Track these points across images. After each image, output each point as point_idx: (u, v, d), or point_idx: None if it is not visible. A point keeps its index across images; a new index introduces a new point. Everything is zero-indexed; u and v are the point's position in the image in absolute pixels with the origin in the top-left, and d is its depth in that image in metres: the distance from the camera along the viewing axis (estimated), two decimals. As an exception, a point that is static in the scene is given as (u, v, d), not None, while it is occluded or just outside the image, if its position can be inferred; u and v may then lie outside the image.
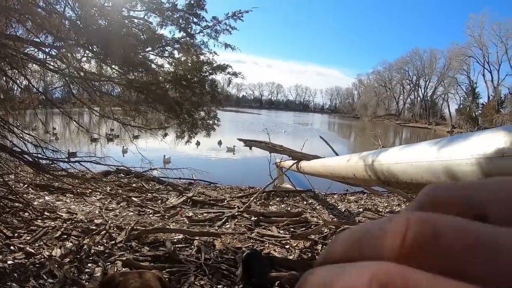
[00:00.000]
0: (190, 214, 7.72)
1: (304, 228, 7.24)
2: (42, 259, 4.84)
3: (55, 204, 7.57)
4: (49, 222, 6.35)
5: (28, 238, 5.49)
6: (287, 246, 6.25)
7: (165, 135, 8.59)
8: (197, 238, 6.10)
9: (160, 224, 6.89)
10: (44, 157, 6.24)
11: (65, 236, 5.79)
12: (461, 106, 77.46)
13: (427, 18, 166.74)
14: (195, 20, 6.76)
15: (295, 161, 9.91)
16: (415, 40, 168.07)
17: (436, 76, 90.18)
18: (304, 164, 8.93)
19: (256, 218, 7.62)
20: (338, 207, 9.71)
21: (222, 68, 7.27)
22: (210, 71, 7.33)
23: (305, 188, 10.65)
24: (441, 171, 2.32)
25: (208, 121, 8.11)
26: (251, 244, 6.26)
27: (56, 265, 4.64)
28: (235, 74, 7.43)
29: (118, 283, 2.54)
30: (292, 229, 7.18)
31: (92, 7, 6.11)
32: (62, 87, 8.33)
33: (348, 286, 0.21)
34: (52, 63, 6.90)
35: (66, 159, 6.86)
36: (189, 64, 7.09)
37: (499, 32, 67.39)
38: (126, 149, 13.87)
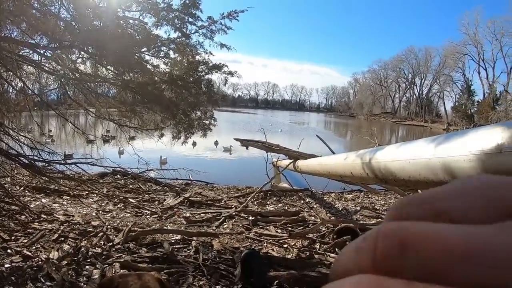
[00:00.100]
0: (188, 214, 7.71)
1: (301, 227, 7.24)
2: (40, 262, 4.81)
3: (52, 207, 7.54)
4: (46, 225, 6.32)
5: (25, 241, 5.47)
6: (285, 245, 6.24)
7: (162, 135, 8.58)
8: (195, 238, 6.08)
9: (158, 225, 6.88)
10: (40, 159, 6.22)
11: (62, 239, 5.76)
12: (457, 104, 77.68)
13: (422, 17, 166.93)
14: (190, 20, 6.75)
15: (292, 160, 9.89)
16: (410, 38, 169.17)
17: (432, 74, 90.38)
18: (301, 163, 8.91)
19: (253, 218, 7.62)
20: (336, 206, 9.72)
21: (218, 67, 7.26)
22: (206, 71, 7.31)
23: (302, 187, 10.66)
24: (439, 168, 2.31)
25: (204, 121, 8.08)
26: (249, 244, 6.25)
27: (54, 268, 4.61)
28: (231, 74, 7.41)
29: (117, 285, 2.54)
30: (289, 228, 7.18)
31: (86, 8, 6.09)
32: (57, 89, 8.31)
33: None
34: (47, 65, 6.87)
35: (62, 161, 6.84)
36: (185, 64, 7.07)
37: (493, 30, 67.57)
38: (122, 150, 13.83)
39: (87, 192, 8.29)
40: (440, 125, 74.04)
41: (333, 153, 9.05)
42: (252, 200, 9.14)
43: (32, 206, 7.31)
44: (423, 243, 0.21)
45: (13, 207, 6.67)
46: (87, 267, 4.81)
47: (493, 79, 69.20)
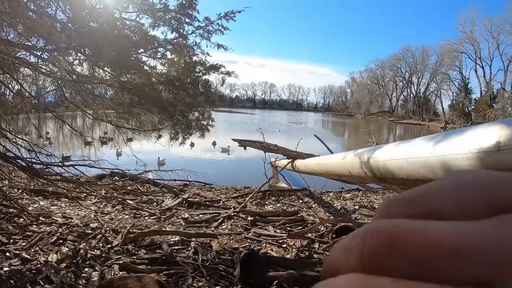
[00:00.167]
0: (186, 215, 7.69)
1: (300, 227, 7.23)
2: (38, 265, 4.79)
3: (50, 209, 7.54)
4: (44, 227, 6.31)
5: (24, 244, 5.45)
6: (284, 245, 6.24)
7: (159, 137, 8.57)
8: (193, 239, 6.07)
9: (156, 226, 6.86)
10: (38, 161, 6.20)
11: (61, 241, 5.74)
12: (454, 102, 77.97)
13: (419, 16, 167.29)
14: (187, 20, 6.73)
15: (290, 160, 9.88)
16: (407, 37, 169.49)
17: (429, 73, 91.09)
18: (299, 163, 8.91)
19: (252, 218, 7.60)
20: (334, 205, 9.72)
21: (215, 68, 7.25)
22: (203, 71, 7.30)
23: (300, 187, 10.65)
24: (438, 166, 2.31)
25: (202, 122, 8.07)
26: (248, 244, 6.25)
27: (53, 271, 4.59)
28: (228, 74, 7.40)
29: (117, 288, 2.53)
30: (288, 228, 7.18)
31: (83, 9, 6.07)
32: (54, 91, 8.29)
33: None
34: (44, 67, 6.86)
35: (60, 163, 6.83)
36: (182, 65, 7.06)
37: (490, 28, 67.94)
38: (120, 152, 13.80)
39: (85, 194, 8.27)
40: (438, 123, 74.25)
41: (331, 152, 9.07)
42: (250, 200, 9.13)
43: (30, 208, 7.29)
44: (411, 240, 0.21)
45: (11, 210, 6.67)
46: (86, 269, 4.79)
47: (490, 77, 69.63)
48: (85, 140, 10.63)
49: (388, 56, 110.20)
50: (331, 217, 8.16)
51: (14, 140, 6.30)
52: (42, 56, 6.57)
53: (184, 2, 6.57)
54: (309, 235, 6.60)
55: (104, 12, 6.28)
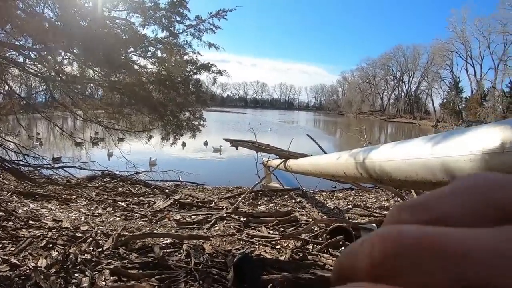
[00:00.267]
0: (178, 217, 7.61)
1: (294, 228, 7.19)
2: (28, 271, 4.68)
3: (40, 212, 7.41)
4: (34, 231, 6.19)
5: (13, 248, 5.34)
6: (277, 247, 6.17)
7: (150, 137, 8.47)
8: (186, 242, 5.98)
9: (148, 228, 6.76)
10: (25, 164, 6.08)
11: (51, 245, 5.64)
12: (445, 101, 78.52)
13: (410, 15, 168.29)
14: (178, 19, 6.65)
15: (282, 160, 9.83)
16: (398, 36, 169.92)
17: (420, 72, 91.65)
18: (292, 163, 8.85)
19: (245, 219, 7.54)
20: (327, 205, 9.70)
21: (207, 67, 7.16)
22: (194, 71, 7.22)
23: (293, 187, 10.61)
24: (438, 168, 2.24)
25: (193, 122, 7.98)
26: (241, 246, 6.17)
27: (42, 277, 4.48)
28: (219, 73, 7.32)
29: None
30: (282, 229, 7.13)
31: (72, 7, 5.96)
32: (43, 91, 8.16)
33: None
34: (32, 67, 6.73)
35: (48, 165, 6.71)
36: (173, 63, 6.96)
37: (481, 27, 68.46)
38: (111, 153, 13.75)
39: (75, 197, 8.16)
40: (429, 122, 74.86)
41: (324, 152, 9.02)
42: (243, 200, 9.08)
43: (20, 212, 7.20)
44: (419, 246, 0.21)
45: (0, 213, 6.54)
46: (76, 274, 4.68)
47: (480, 76, 70.21)
48: (76, 141, 10.52)
49: (380, 55, 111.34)
50: (325, 217, 8.12)
51: (1, 142, 6.18)
52: (30, 55, 6.44)
53: (174, 0, 6.48)
54: (303, 236, 6.54)
55: (93, 10, 6.18)
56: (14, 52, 6.57)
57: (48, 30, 5.77)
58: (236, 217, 7.75)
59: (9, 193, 8.26)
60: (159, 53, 7.01)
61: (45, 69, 6.68)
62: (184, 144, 19.02)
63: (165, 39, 6.85)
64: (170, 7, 6.49)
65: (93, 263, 4.96)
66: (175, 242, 5.99)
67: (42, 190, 8.05)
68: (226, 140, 14.53)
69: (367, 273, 0.22)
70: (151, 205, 8.64)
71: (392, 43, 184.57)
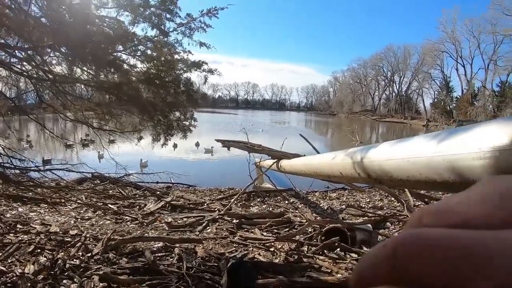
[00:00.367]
0: (170, 219, 7.49)
1: (287, 229, 7.14)
2: (14, 278, 4.50)
3: (29, 216, 7.25)
4: (22, 236, 6.01)
5: (-1, 254, 5.16)
6: (272, 249, 6.04)
7: (140, 138, 8.34)
8: (177, 245, 5.83)
9: (139, 232, 6.63)
10: (12, 166, 5.91)
11: (39, 250, 5.45)
12: (436, 100, 79.22)
13: (400, 15, 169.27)
14: (168, 16, 6.55)
15: (275, 161, 9.74)
16: (388, 37, 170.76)
17: (411, 72, 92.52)
18: (285, 163, 8.74)
19: (237, 221, 7.43)
20: (321, 205, 9.63)
21: (198, 65, 7.03)
22: (185, 69, 7.08)
23: (286, 187, 10.56)
24: (444, 167, 2.12)
25: (184, 122, 7.86)
26: (234, 248, 6.05)
27: (29, 284, 4.32)
28: (211, 72, 7.19)
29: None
30: (275, 230, 7.05)
31: (60, 5, 5.81)
32: (31, 91, 7.99)
33: None
34: (19, 66, 6.57)
35: (36, 168, 6.54)
36: (162, 61, 6.82)
37: (471, 28, 68.92)
38: (102, 155, 13.60)
39: (64, 200, 8.00)
40: (420, 121, 75.44)
41: (318, 152, 8.92)
42: (235, 202, 8.99)
43: (8, 215, 7.03)
44: (443, 249, 0.21)
45: (-14, 218, 6.37)
46: (64, 281, 4.50)
47: (471, 76, 70.79)
48: (66, 143, 10.35)
49: (371, 55, 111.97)
50: (319, 217, 8.05)
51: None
52: (15, 53, 6.26)
53: (165, -3, 6.35)
54: (298, 237, 6.43)
55: (82, 7, 6.03)
56: (1, 52, 6.40)
57: (35, 27, 5.62)
58: (229, 219, 7.65)
59: (-3, 197, 8.08)
60: (149, 52, 6.89)
61: (33, 68, 6.51)
62: (175, 145, 18.93)
63: (155, 38, 6.73)
64: (160, 4, 6.37)
65: (82, 269, 4.79)
66: (167, 246, 5.83)
67: (30, 193, 7.88)
68: (217, 140, 14.48)
69: (389, 277, 0.21)
70: (142, 207, 8.51)
71: (383, 43, 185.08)
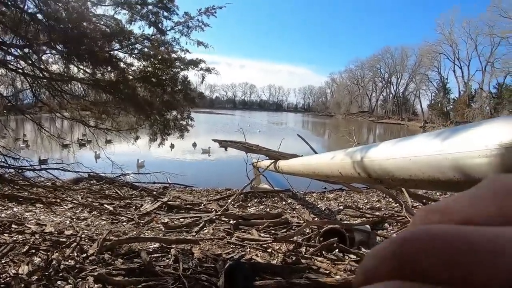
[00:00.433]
0: (166, 220, 7.42)
1: (285, 230, 7.10)
2: (8, 279, 4.44)
3: (24, 216, 7.19)
4: (16, 236, 5.94)
5: (-7, 255, 5.09)
6: (269, 250, 5.99)
7: (136, 138, 8.27)
8: (174, 246, 5.77)
9: (135, 232, 6.56)
10: (6, 165, 5.83)
11: (33, 251, 5.38)
12: (433, 102, 79.51)
13: (398, 17, 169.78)
14: (165, 14, 6.49)
15: (272, 161, 9.69)
16: (386, 38, 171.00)
17: (408, 73, 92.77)
18: (283, 164, 8.70)
19: (235, 221, 7.39)
20: (318, 206, 9.59)
21: (195, 63, 6.96)
22: (182, 67, 7.01)
23: (283, 188, 10.53)
24: (448, 165, 2.06)
25: (181, 122, 7.80)
26: (231, 249, 5.99)
27: (23, 285, 4.26)
28: (208, 70, 7.12)
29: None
30: (273, 231, 7.00)
31: (56, 1, 5.75)
32: (27, 90, 7.91)
33: None
34: (14, 64, 6.49)
35: (31, 167, 6.46)
36: (159, 59, 6.76)
37: (468, 30, 69.12)
38: (98, 155, 13.59)
39: (60, 200, 7.93)
40: (417, 123, 75.53)
41: (315, 152, 8.87)
42: (232, 202, 8.93)
43: (3, 215, 6.99)
44: (450, 244, 0.21)
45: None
46: (58, 282, 4.43)
47: (468, 77, 70.93)
48: (62, 143, 10.29)
49: (368, 56, 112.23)
50: (316, 218, 8.00)
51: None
52: (10, 51, 6.19)
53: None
54: (295, 238, 6.37)
55: (78, 4, 5.97)
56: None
57: (31, 24, 5.56)
58: (226, 219, 7.60)
59: (-8, 196, 8.01)
60: (146, 50, 6.83)
61: (29, 66, 6.45)
62: (172, 146, 19.00)
63: (153, 36, 6.68)
64: (158, 2, 6.31)
65: (76, 270, 4.72)
66: (163, 247, 5.78)
67: (26, 193, 7.81)
68: (215, 140, 14.46)
69: (395, 273, 0.21)
70: (138, 208, 8.46)
71: (381, 45, 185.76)
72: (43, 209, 7.70)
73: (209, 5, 6.72)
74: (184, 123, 7.90)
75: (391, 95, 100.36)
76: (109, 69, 6.57)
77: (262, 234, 6.82)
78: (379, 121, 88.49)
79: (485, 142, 1.82)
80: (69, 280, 4.44)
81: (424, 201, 8.86)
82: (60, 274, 4.59)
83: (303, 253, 5.87)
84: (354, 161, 3.46)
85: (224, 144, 13.96)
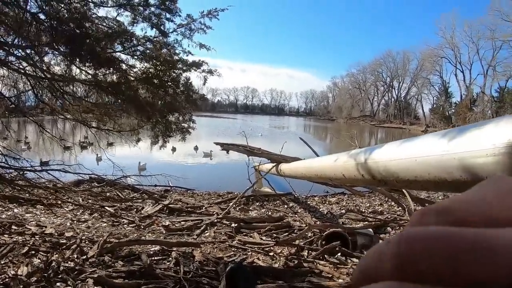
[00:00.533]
0: (167, 223, 7.40)
1: (287, 233, 7.06)
2: (7, 279, 4.40)
3: (24, 217, 7.17)
4: (16, 237, 5.91)
5: (-7, 255, 5.06)
6: (271, 254, 5.94)
7: (138, 140, 8.23)
8: (175, 249, 5.73)
9: (135, 235, 6.52)
10: (6, 165, 5.80)
11: (33, 252, 5.35)
12: (435, 106, 79.59)
13: (400, 21, 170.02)
14: (168, 16, 6.48)
15: (274, 164, 9.67)
16: (388, 42, 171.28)
17: (409, 77, 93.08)
18: (285, 167, 8.66)
19: (236, 225, 7.35)
20: (320, 210, 9.53)
21: (197, 64, 6.94)
22: (184, 68, 6.99)
23: (285, 191, 10.47)
24: (455, 165, 2.02)
25: (183, 124, 7.77)
26: (232, 253, 5.95)
27: (22, 286, 4.22)
28: (210, 72, 7.10)
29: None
30: (275, 235, 6.97)
31: (58, 2, 5.74)
32: (29, 91, 7.90)
33: None
34: (17, 65, 6.48)
35: (32, 168, 6.44)
36: (161, 61, 6.74)
37: (470, 33, 69.22)
38: (100, 157, 13.59)
39: (61, 201, 7.91)
40: (419, 127, 75.52)
41: (317, 155, 8.84)
42: (234, 206, 8.88)
43: (3, 216, 6.96)
44: (448, 244, 0.21)
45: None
46: (58, 284, 4.40)
47: (470, 81, 70.94)
48: (64, 145, 10.28)
49: (370, 61, 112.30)
50: (318, 222, 7.93)
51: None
52: (13, 51, 6.17)
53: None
54: (297, 242, 6.32)
55: (81, 5, 5.96)
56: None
57: (33, 24, 5.55)
58: (227, 222, 7.57)
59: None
60: (148, 52, 6.82)
61: (31, 67, 6.43)
62: (174, 149, 18.98)
63: (155, 38, 6.66)
64: (160, 4, 6.30)
65: (76, 272, 4.69)
66: (164, 249, 5.73)
67: (27, 194, 7.78)
68: (217, 143, 14.46)
69: (393, 273, 0.21)
70: (139, 210, 8.42)
71: (382, 49, 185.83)
72: (43, 211, 7.67)
73: (211, 8, 6.72)
74: (186, 125, 7.87)
75: (393, 99, 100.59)
76: (111, 71, 6.55)
77: (263, 238, 6.79)
78: (381, 125, 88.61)
79: (493, 141, 1.78)
80: (69, 282, 4.40)
81: (427, 204, 8.80)
82: (60, 276, 4.56)
83: (305, 257, 5.82)
84: (358, 163, 3.42)
85: (226, 147, 13.95)
